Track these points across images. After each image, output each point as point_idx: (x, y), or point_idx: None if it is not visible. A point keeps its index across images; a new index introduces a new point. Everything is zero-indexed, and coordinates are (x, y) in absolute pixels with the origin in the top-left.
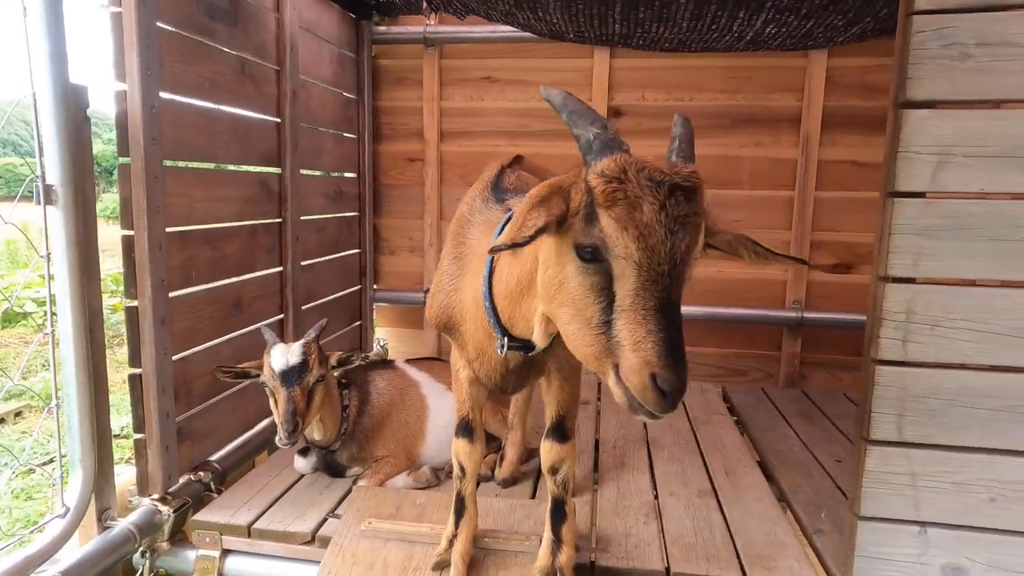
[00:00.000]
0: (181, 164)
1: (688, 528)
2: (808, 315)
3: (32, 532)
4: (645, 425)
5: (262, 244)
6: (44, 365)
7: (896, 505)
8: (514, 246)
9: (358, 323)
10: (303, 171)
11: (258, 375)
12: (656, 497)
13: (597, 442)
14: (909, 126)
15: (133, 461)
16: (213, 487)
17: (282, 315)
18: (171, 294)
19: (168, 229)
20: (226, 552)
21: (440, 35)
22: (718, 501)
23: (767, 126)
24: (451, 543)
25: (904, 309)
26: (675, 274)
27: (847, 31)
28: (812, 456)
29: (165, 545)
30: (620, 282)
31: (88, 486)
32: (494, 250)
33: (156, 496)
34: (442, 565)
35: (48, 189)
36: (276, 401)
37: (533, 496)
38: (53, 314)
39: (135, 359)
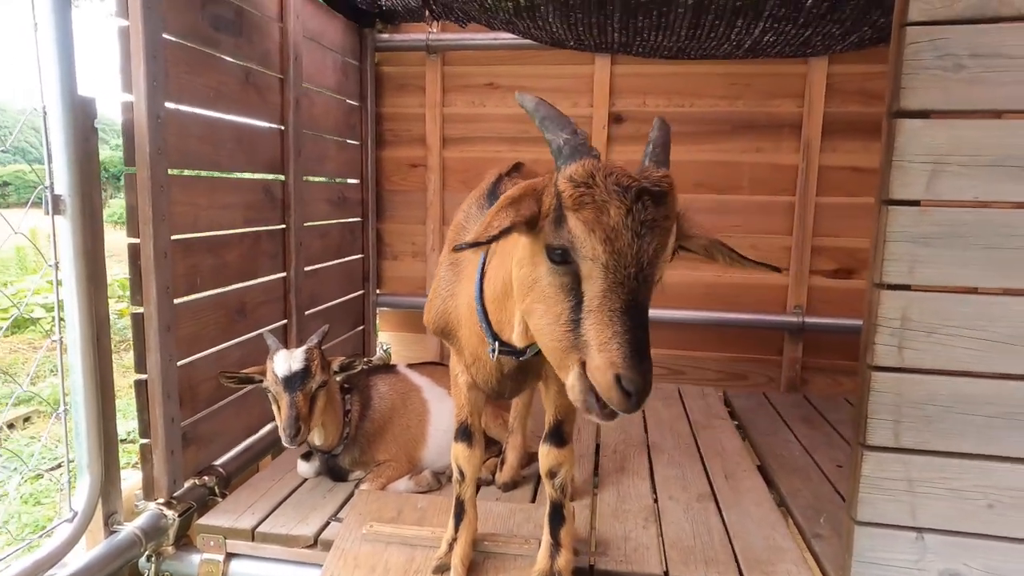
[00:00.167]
0: (186, 173)
1: (687, 532)
2: (809, 320)
3: (41, 536)
4: (646, 430)
5: (266, 250)
6: (52, 371)
7: (893, 510)
8: (476, 245)
9: (361, 328)
10: (306, 178)
11: (261, 380)
12: (656, 501)
13: (598, 446)
14: (903, 135)
15: (139, 466)
16: (217, 491)
17: (286, 320)
18: (176, 301)
19: (173, 237)
20: (230, 556)
21: (442, 42)
22: (717, 505)
23: (768, 132)
24: (451, 547)
25: (899, 316)
26: (642, 277)
27: (845, 39)
28: (812, 461)
29: (170, 549)
30: (588, 283)
31: (95, 491)
32: (456, 249)
33: (161, 500)
34: (442, 568)
35: (56, 199)
36: (279, 406)
37: (533, 500)
38: (61, 320)
39: (141, 365)
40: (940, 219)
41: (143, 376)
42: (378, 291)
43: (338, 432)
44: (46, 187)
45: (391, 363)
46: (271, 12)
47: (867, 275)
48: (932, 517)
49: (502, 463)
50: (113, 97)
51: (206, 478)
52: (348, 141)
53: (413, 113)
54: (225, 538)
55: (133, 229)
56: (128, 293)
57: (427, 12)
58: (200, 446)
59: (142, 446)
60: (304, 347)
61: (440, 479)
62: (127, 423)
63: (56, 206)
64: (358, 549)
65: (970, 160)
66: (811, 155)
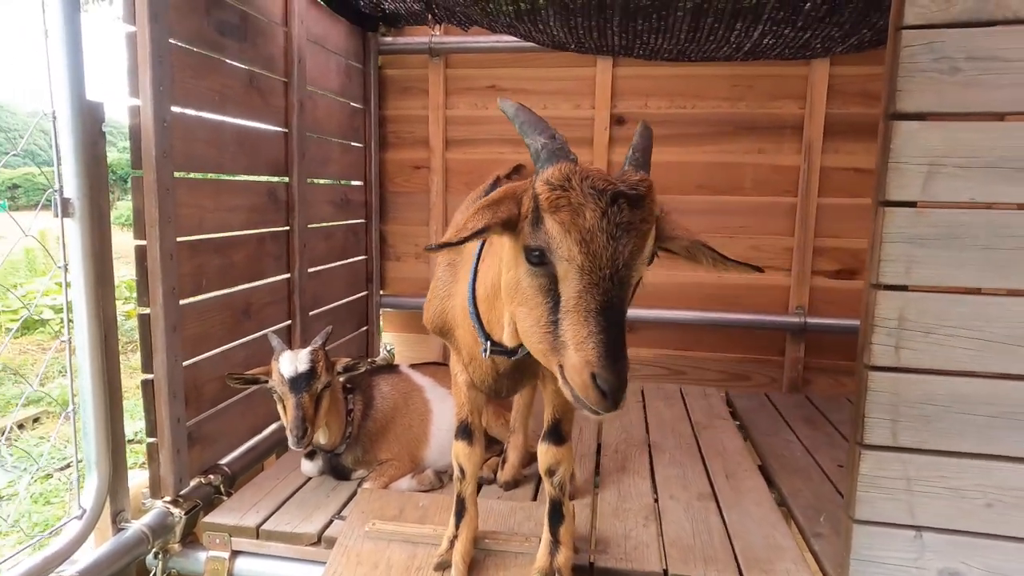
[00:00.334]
0: (192, 175)
1: (687, 531)
2: (811, 320)
3: (50, 534)
4: (647, 430)
5: (270, 252)
6: (61, 372)
7: (891, 509)
8: (445, 246)
9: (365, 328)
10: (310, 180)
11: (267, 381)
12: (656, 500)
13: (599, 446)
14: (899, 137)
15: (146, 466)
16: (223, 490)
17: (290, 321)
18: (182, 302)
19: (179, 238)
20: (236, 553)
21: (445, 45)
22: (718, 504)
23: (769, 133)
24: (452, 544)
25: (896, 316)
26: (617, 278)
27: (845, 41)
28: (814, 461)
29: (177, 546)
30: (564, 284)
31: (103, 489)
32: (428, 249)
33: (168, 499)
34: (444, 565)
35: (66, 202)
36: (285, 407)
37: (535, 499)
38: (70, 322)
39: (147, 365)
40: (937, 220)
41: (150, 376)
42: (382, 292)
43: (341, 431)
44: (55, 190)
45: (393, 363)
46: (275, 16)
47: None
48: (931, 516)
49: (503, 462)
50: (121, 101)
51: (211, 477)
52: (352, 143)
53: (416, 115)
54: (230, 536)
55: (140, 231)
56: (135, 294)
57: (430, 16)
58: (205, 445)
59: (149, 445)
60: (309, 348)
61: (442, 478)
62: (134, 424)
63: (65, 208)
64: (361, 547)
65: (966, 162)
66: (813, 156)
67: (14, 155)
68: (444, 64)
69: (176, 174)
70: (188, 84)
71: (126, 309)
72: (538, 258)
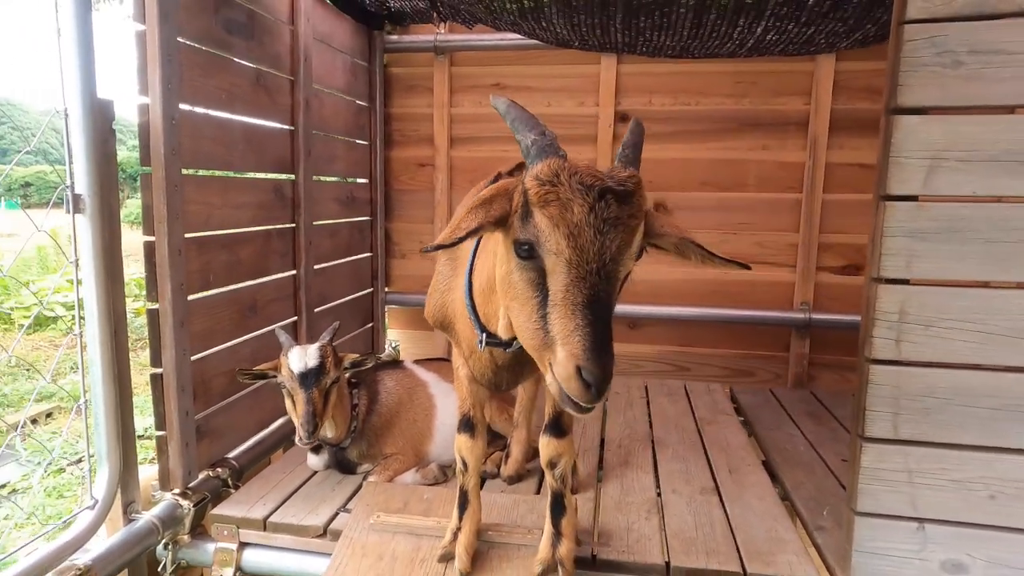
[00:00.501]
0: (200, 173)
1: (689, 524)
2: (816, 316)
3: (65, 522)
4: (651, 425)
5: (276, 249)
6: (73, 368)
7: (893, 501)
8: (441, 247)
9: (370, 325)
10: (316, 177)
11: (275, 376)
12: (659, 494)
13: (603, 441)
14: (900, 132)
15: (156, 461)
16: (231, 483)
17: (296, 317)
18: (190, 297)
19: (187, 235)
20: (243, 545)
21: (450, 43)
22: (720, 498)
23: (774, 130)
24: (456, 535)
25: (897, 310)
26: (604, 273)
27: (849, 37)
28: (817, 455)
29: (186, 538)
30: (552, 278)
31: (114, 480)
32: (425, 251)
33: (177, 491)
34: (447, 557)
35: (77, 198)
36: (294, 402)
37: (538, 492)
38: (81, 318)
39: (156, 359)
40: (938, 214)
41: (159, 370)
42: (387, 289)
43: (346, 426)
44: (67, 186)
45: (398, 359)
46: (282, 15)
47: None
48: (933, 508)
49: (507, 457)
50: (130, 99)
51: (219, 470)
52: (357, 141)
53: (421, 113)
54: (238, 528)
55: (149, 227)
56: (144, 292)
57: (435, 14)
58: (214, 439)
59: (158, 438)
60: (318, 344)
61: (446, 472)
62: (144, 420)
63: (76, 205)
64: (366, 538)
65: (968, 156)
66: (818, 152)
67: (27, 152)
68: (449, 62)
69: (184, 171)
70: (196, 82)
71: (135, 307)
72: (527, 252)
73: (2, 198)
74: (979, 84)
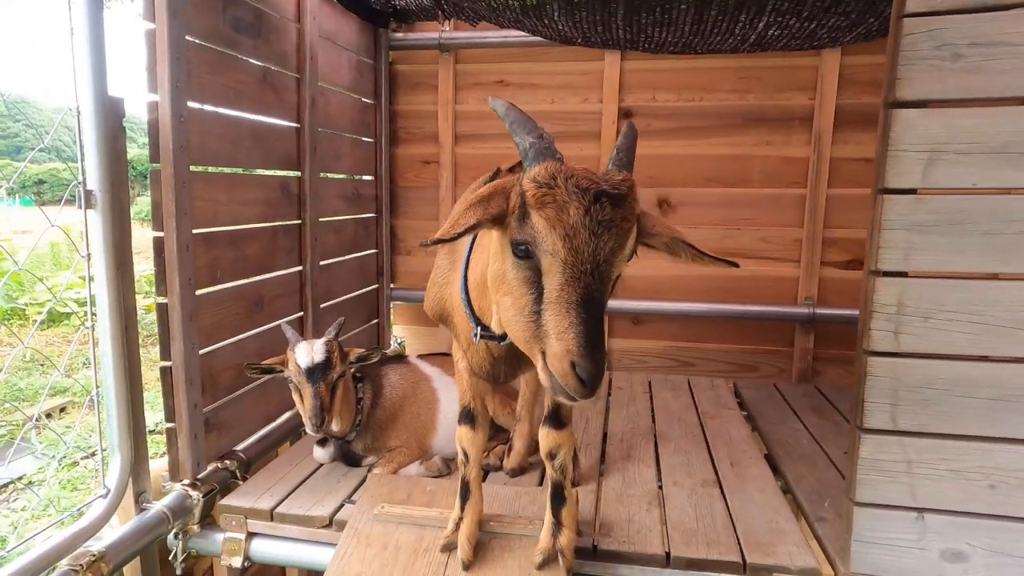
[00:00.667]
0: (208, 169)
1: (690, 515)
2: (820, 311)
3: (79, 510)
4: (653, 419)
5: (283, 245)
6: (85, 363)
7: (892, 491)
8: (439, 242)
9: (375, 321)
10: (322, 174)
11: (282, 371)
12: (660, 487)
13: (605, 435)
14: (899, 125)
15: (166, 455)
16: (238, 475)
17: (302, 313)
18: (198, 292)
19: (195, 231)
20: (251, 535)
21: (455, 41)
22: (721, 490)
23: (778, 125)
24: (458, 526)
25: (895, 302)
26: (598, 273)
27: (852, 31)
28: (820, 448)
29: (196, 528)
30: (548, 277)
31: (126, 470)
32: (424, 245)
33: (187, 482)
34: (450, 547)
35: (89, 194)
36: (301, 396)
37: (540, 485)
38: (93, 314)
39: (165, 353)
40: (937, 207)
41: (168, 363)
42: (392, 285)
43: (351, 419)
44: (79, 182)
45: (403, 354)
46: (288, 13)
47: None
48: (932, 497)
49: (509, 450)
50: (140, 97)
51: (227, 462)
52: (362, 138)
53: (426, 111)
54: (246, 518)
55: (158, 223)
56: (154, 289)
57: (439, 11)
58: (222, 432)
59: (168, 430)
60: (324, 339)
61: (450, 465)
62: (155, 415)
63: (88, 200)
64: (370, 529)
65: (968, 148)
66: (823, 147)
67: (40, 150)
68: (454, 59)
69: (192, 168)
70: (204, 80)
71: (146, 304)
72: (524, 251)
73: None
74: (980, 77)
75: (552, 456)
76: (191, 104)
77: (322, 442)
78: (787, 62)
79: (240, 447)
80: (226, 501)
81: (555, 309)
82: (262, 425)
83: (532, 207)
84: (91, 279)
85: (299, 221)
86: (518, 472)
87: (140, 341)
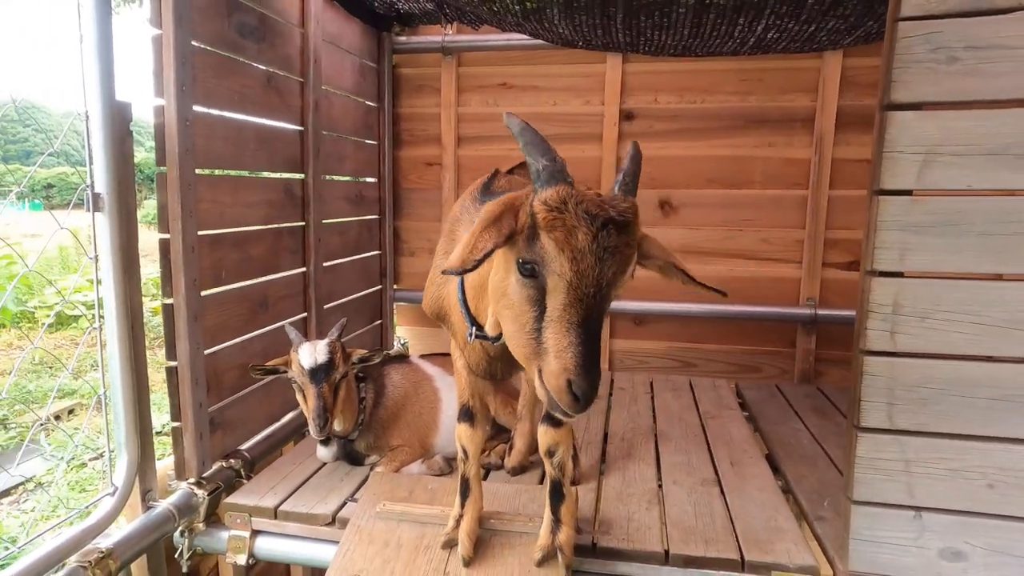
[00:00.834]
0: (215, 172)
1: (689, 514)
2: (822, 312)
3: (87, 507)
4: (654, 419)
5: (286, 246)
6: (93, 366)
7: (889, 490)
8: (464, 271)
9: (379, 322)
10: (326, 176)
11: (286, 372)
12: (660, 485)
13: (606, 435)
14: (894, 127)
15: (172, 452)
16: (243, 474)
17: (305, 313)
18: (203, 293)
19: (200, 232)
20: (256, 532)
21: (457, 44)
22: (721, 490)
23: (780, 127)
24: (458, 522)
25: (891, 302)
26: (600, 296)
27: (851, 34)
28: (821, 449)
29: (201, 526)
30: (552, 296)
31: (133, 468)
32: (446, 272)
33: (192, 480)
34: (451, 543)
35: (96, 197)
36: (305, 397)
37: (541, 482)
38: (101, 316)
39: (171, 353)
40: (934, 208)
41: (173, 363)
42: (395, 286)
43: (354, 419)
44: (87, 186)
45: (405, 354)
46: (293, 18)
47: None
48: (930, 496)
49: (510, 448)
50: (146, 101)
51: (232, 461)
52: (366, 141)
53: (429, 113)
54: (251, 516)
55: (164, 225)
56: (160, 291)
57: (442, 16)
58: (227, 431)
59: (173, 429)
60: (326, 340)
61: (451, 464)
62: (161, 416)
63: (96, 203)
64: (372, 526)
65: (963, 150)
66: (824, 148)
67: (49, 154)
68: (456, 62)
69: (197, 171)
70: (209, 84)
71: (152, 306)
72: (530, 270)
73: (27, 199)
74: (975, 79)
75: (551, 453)
76: (197, 108)
77: (325, 441)
78: (789, 64)
79: (244, 446)
80: (231, 499)
81: (556, 328)
82: (266, 425)
83: (542, 229)
84: (99, 281)
85: (303, 223)
86: (519, 471)
87: (147, 343)
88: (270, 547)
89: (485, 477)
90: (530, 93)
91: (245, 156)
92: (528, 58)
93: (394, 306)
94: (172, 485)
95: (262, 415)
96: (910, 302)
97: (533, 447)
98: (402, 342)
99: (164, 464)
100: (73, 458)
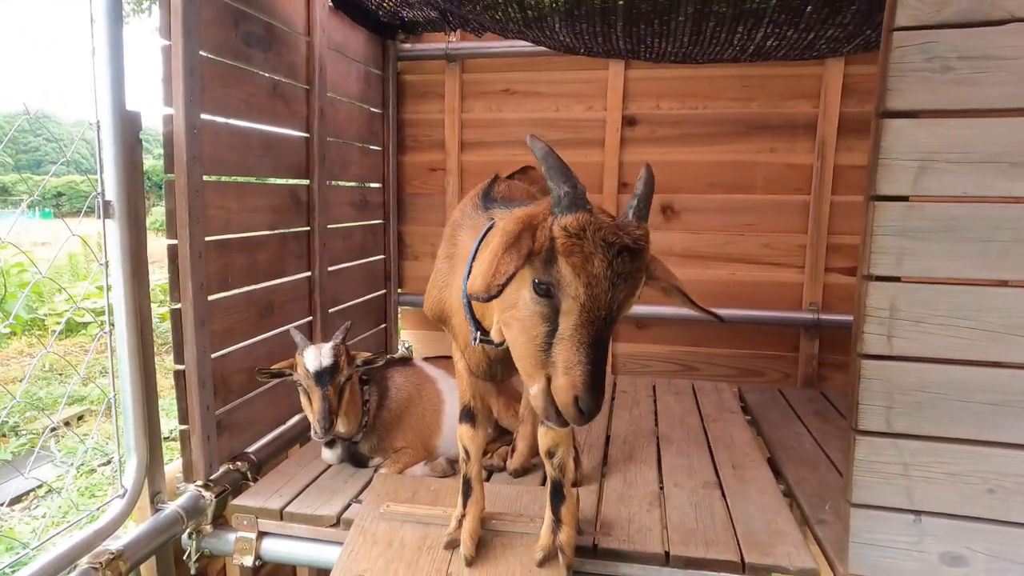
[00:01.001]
0: (222, 179)
1: (690, 516)
2: (825, 317)
3: (99, 509)
4: (656, 422)
5: (292, 251)
6: (103, 372)
7: (888, 493)
8: (490, 298)
9: (383, 326)
10: (331, 182)
11: (291, 374)
12: (661, 488)
13: (608, 437)
14: (889, 135)
15: (180, 455)
16: (249, 476)
17: (311, 317)
18: (210, 297)
19: (207, 238)
20: (262, 534)
21: (461, 51)
22: (722, 492)
23: (782, 132)
24: (460, 523)
25: (888, 306)
26: (610, 318)
27: (850, 42)
28: (822, 452)
29: (209, 528)
30: (565, 317)
31: (142, 470)
32: (473, 298)
33: (200, 483)
34: (453, 544)
35: (107, 204)
36: (310, 399)
37: (543, 483)
38: (111, 324)
39: (179, 357)
40: (930, 214)
41: (181, 367)
42: (399, 290)
43: (358, 421)
44: (98, 193)
45: (408, 357)
46: (298, 27)
47: None
48: (930, 500)
49: (512, 451)
50: (155, 110)
51: (239, 464)
52: (371, 147)
53: (433, 119)
54: (257, 517)
55: (172, 231)
56: (168, 297)
57: (446, 23)
58: (233, 434)
59: (181, 432)
60: (331, 344)
61: (454, 466)
62: (170, 422)
63: (107, 211)
64: (376, 527)
65: (959, 158)
66: (827, 154)
67: (62, 163)
68: (460, 69)
69: (205, 177)
70: (217, 93)
71: (161, 312)
72: (545, 290)
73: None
74: (970, 88)
75: (551, 454)
76: (204, 116)
77: (330, 444)
78: (791, 71)
79: (251, 449)
80: (238, 501)
81: (566, 346)
82: (272, 427)
83: (560, 254)
84: (109, 287)
85: (308, 228)
86: (521, 473)
87: (155, 349)
88: (276, 549)
89: (488, 479)
90: (533, 99)
91: (251, 163)
92: (531, 64)
93: (398, 310)
94: (180, 487)
95: (268, 418)
96: (907, 306)
97: (535, 449)
98: (407, 346)
99: (172, 467)
100: (83, 464)
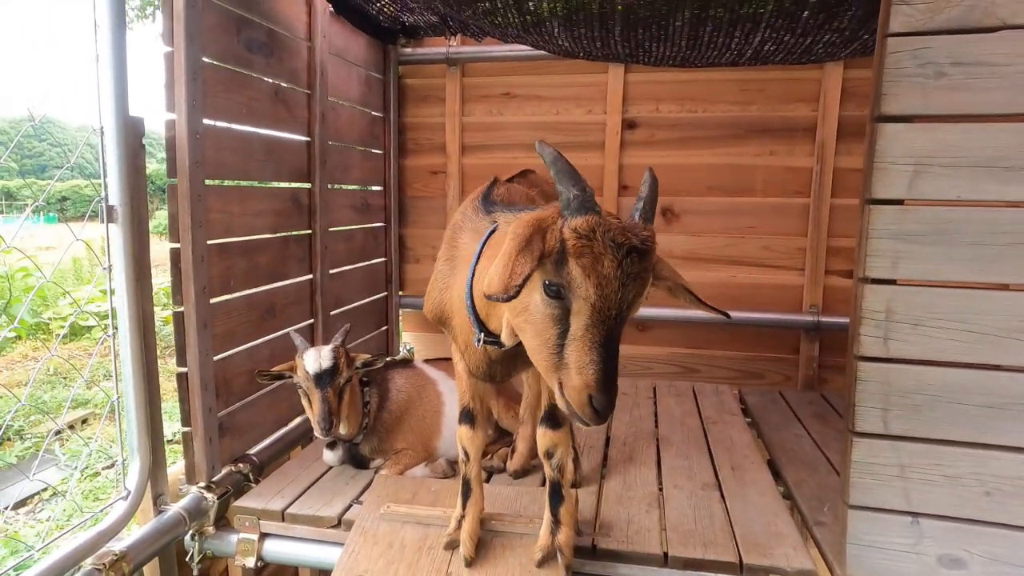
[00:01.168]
0: (224, 183)
1: (689, 517)
2: (825, 319)
3: (102, 510)
4: (656, 423)
5: (293, 254)
6: (106, 375)
7: (886, 495)
8: (508, 298)
9: (385, 328)
10: (332, 186)
11: (291, 377)
12: (660, 489)
13: (608, 439)
14: (884, 139)
15: (183, 457)
16: (251, 478)
17: (312, 320)
18: (212, 300)
19: (209, 242)
20: (264, 535)
21: (462, 55)
22: (721, 494)
23: (781, 136)
24: (460, 523)
25: (884, 308)
26: (620, 318)
27: (847, 47)
28: (822, 454)
29: (211, 529)
30: (576, 317)
31: (145, 472)
32: (490, 299)
33: (202, 484)
34: (453, 544)
35: (110, 209)
36: (311, 401)
37: (543, 484)
38: (115, 328)
39: (181, 359)
40: (924, 217)
41: (184, 369)
42: (400, 293)
43: (358, 422)
44: (102, 198)
45: (408, 358)
46: (300, 33)
47: None
48: (927, 502)
49: (512, 452)
50: (158, 115)
51: (241, 465)
52: (372, 150)
53: (434, 123)
54: (259, 519)
55: (174, 235)
56: (171, 301)
57: (446, 28)
58: (235, 436)
59: (184, 434)
60: (331, 346)
61: (454, 467)
62: (172, 425)
63: (110, 215)
64: (377, 528)
65: (953, 162)
66: (826, 157)
67: (66, 168)
68: (461, 73)
69: (207, 182)
70: (219, 98)
71: (164, 315)
72: (555, 292)
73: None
74: (963, 94)
75: (549, 455)
76: (206, 121)
77: (331, 445)
78: (790, 75)
79: (253, 451)
80: (240, 503)
81: (578, 346)
82: (274, 429)
83: (571, 255)
84: (112, 291)
85: (309, 231)
86: (521, 474)
87: (158, 352)
88: (277, 550)
89: (487, 480)
90: (533, 103)
91: (253, 167)
92: (531, 68)
93: (400, 312)
94: (183, 489)
95: (270, 420)
96: (903, 309)
97: (535, 450)
98: (408, 348)
99: (175, 469)
100: (87, 467)
